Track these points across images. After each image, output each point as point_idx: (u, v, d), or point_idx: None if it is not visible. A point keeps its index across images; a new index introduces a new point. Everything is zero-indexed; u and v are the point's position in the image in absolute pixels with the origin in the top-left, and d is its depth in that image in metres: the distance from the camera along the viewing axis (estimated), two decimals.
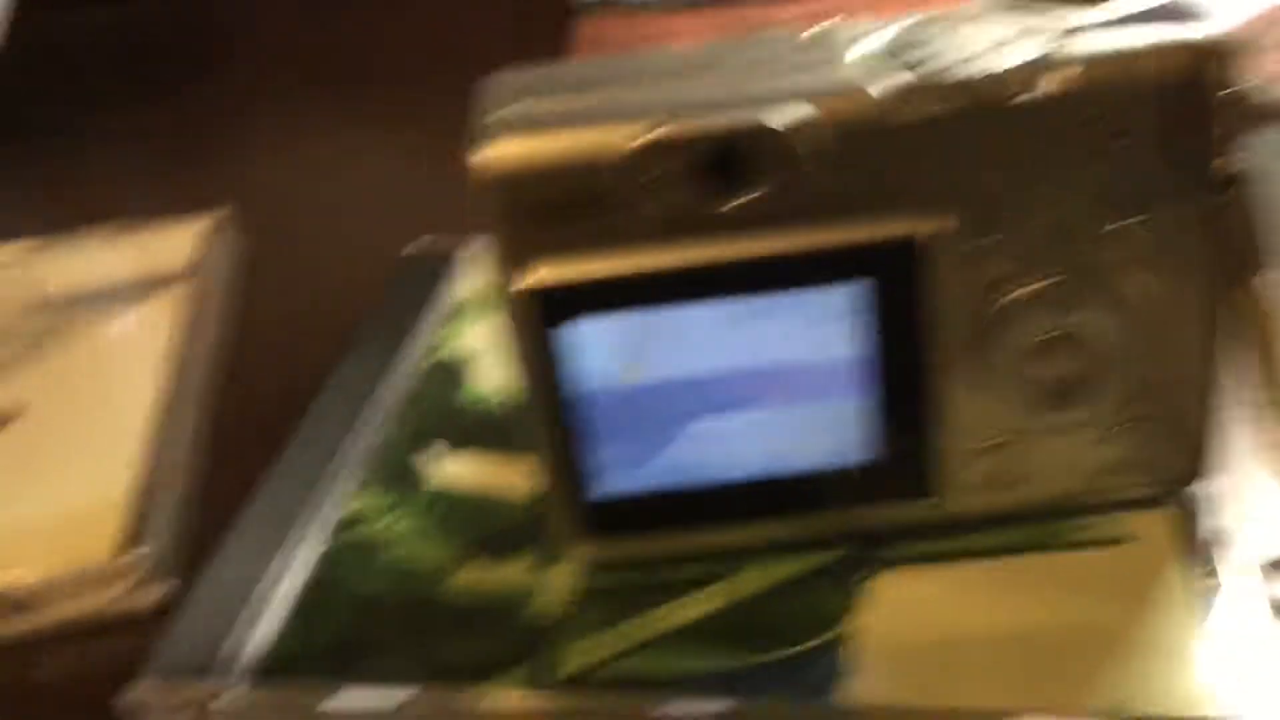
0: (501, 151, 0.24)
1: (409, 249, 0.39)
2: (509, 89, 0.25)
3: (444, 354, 0.36)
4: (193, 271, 0.40)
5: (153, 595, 0.30)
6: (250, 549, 0.30)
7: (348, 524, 0.30)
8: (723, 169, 0.24)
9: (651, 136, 0.24)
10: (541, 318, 0.25)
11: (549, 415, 0.26)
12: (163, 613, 0.29)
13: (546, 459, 0.27)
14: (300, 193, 0.47)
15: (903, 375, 0.26)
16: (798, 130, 0.23)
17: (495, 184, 0.24)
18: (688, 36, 0.49)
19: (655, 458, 0.27)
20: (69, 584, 0.30)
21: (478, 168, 0.24)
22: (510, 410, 0.32)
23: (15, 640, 0.30)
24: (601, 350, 0.26)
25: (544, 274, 0.25)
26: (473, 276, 0.38)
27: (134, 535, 0.30)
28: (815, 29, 0.25)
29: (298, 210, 0.46)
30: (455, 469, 0.32)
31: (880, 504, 0.27)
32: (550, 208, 0.24)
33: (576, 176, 0.24)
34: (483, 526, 0.30)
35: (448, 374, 0.35)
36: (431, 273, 0.39)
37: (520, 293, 0.25)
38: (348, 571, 0.29)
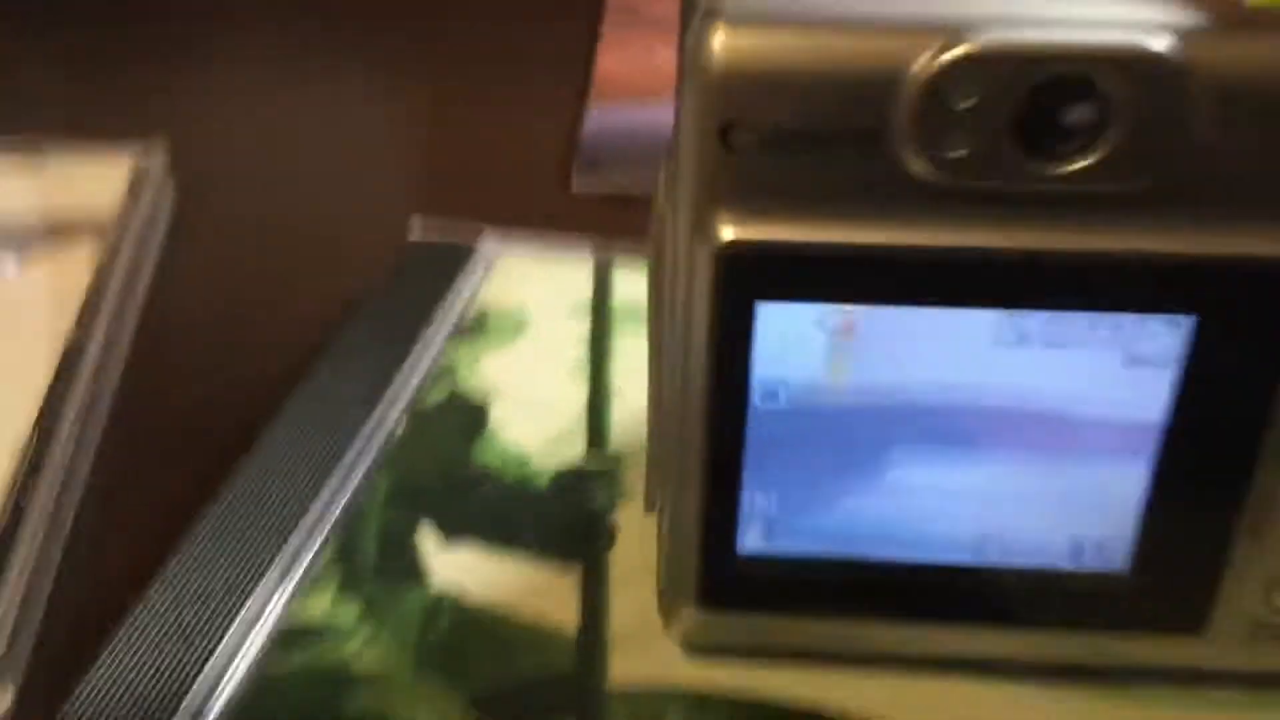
0: (734, 45, 0.16)
1: (414, 233, 0.30)
2: None
3: (455, 383, 0.26)
4: (113, 222, 0.30)
5: None
6: (148, 660, 0.20)
7: (295, 637, 0.21)
8: (1040, 119, 0.16)
9: (958, 53, 0.16)
10: (739, 285, 0.17)
11: (717, 426, 0.18)
12: None
13: (693, 492, 0.19)
14: (256, 138, 0.37)
15: (1213, 455, 0.18)
16: (1152, 74, 0.16)
17: (716, 88, 0.16)
18: None
19: (836, 512, 0.19)
20: None
21: (693, 60, 0.16)
22: (542, 488, 0.23)
23: None
24: (807, 349, 0.17)
25: (755, 230, 0.17)
26: (500, 280, 0.29)
27: None
28: None
29: (254, 160, 0.36)
30: (457, 569, 0.22)
31: (1129, 631, 0.20)
32: (786, 138, 0.16)
33: (836, 98, 0.16)
34: (497, 675, 0.21)
35: (457, 415, 0.25)
36: (443, 267, 0.29)
37: (718, 249, 0.17)
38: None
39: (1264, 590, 0.19)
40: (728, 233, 0.17)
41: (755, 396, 0.18)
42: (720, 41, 0.16)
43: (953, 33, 0.16)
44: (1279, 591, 0.19)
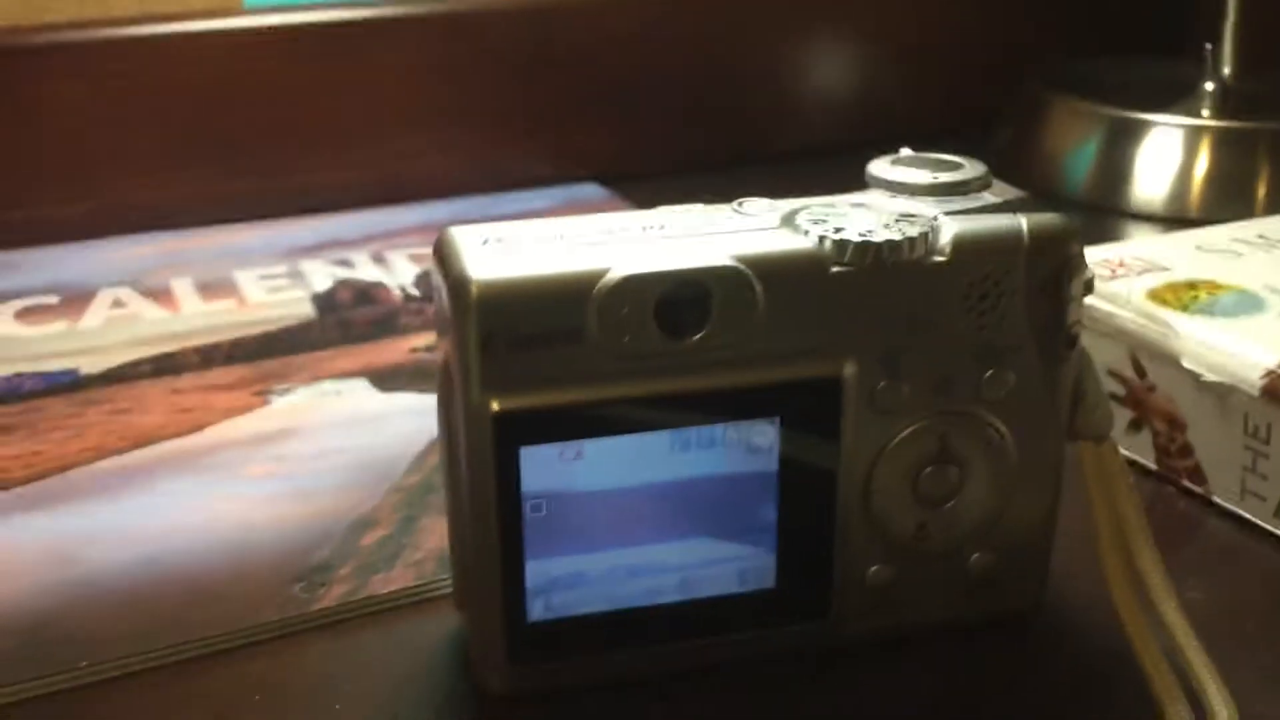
0: (486, 291, 0.26)
1: None
2: (471, 240, 0.28)
3: None
4: None
5: None
6: None
7: None
8: (670, 314, 0.27)
9: (613, 280, 0.27)
10: (507, 439, 0.27)
11: (499, 535, 0.27)
12: None
13: (488, 582, 0.28)
14: None
15: (810, 501, 0.29)
16: (732, 282, 0.27)
17: (477, 317, 0.26)
18: None
19: (587, 582, 0.29)
20: None
21: (461, 296, 0.26)
22: None
23: None
24: (555, 472, 0.28)
25: (514, 399, 0.27)
26: None
27: None
28: (738, 203, 0.29)
29: None
30: None
31: (778, 627, 0.30)
32: (525, 338, 0.27)
33: (551, 314, 0.27)
34: None
35: None
36: None
37: (491, 414, 0.27)
38: None
39: (859, 579, 0.30)
40: (496, 405, 0.27)
41: (526, 509, 0.28)
42: (476, 289, 0.26)
43: (608, 270, 0.27)
44: (868, 577, 0.30)
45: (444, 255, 0.27)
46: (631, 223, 0.29)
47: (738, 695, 0.30)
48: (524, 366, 0.27)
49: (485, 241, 0.27)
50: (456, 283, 0.26)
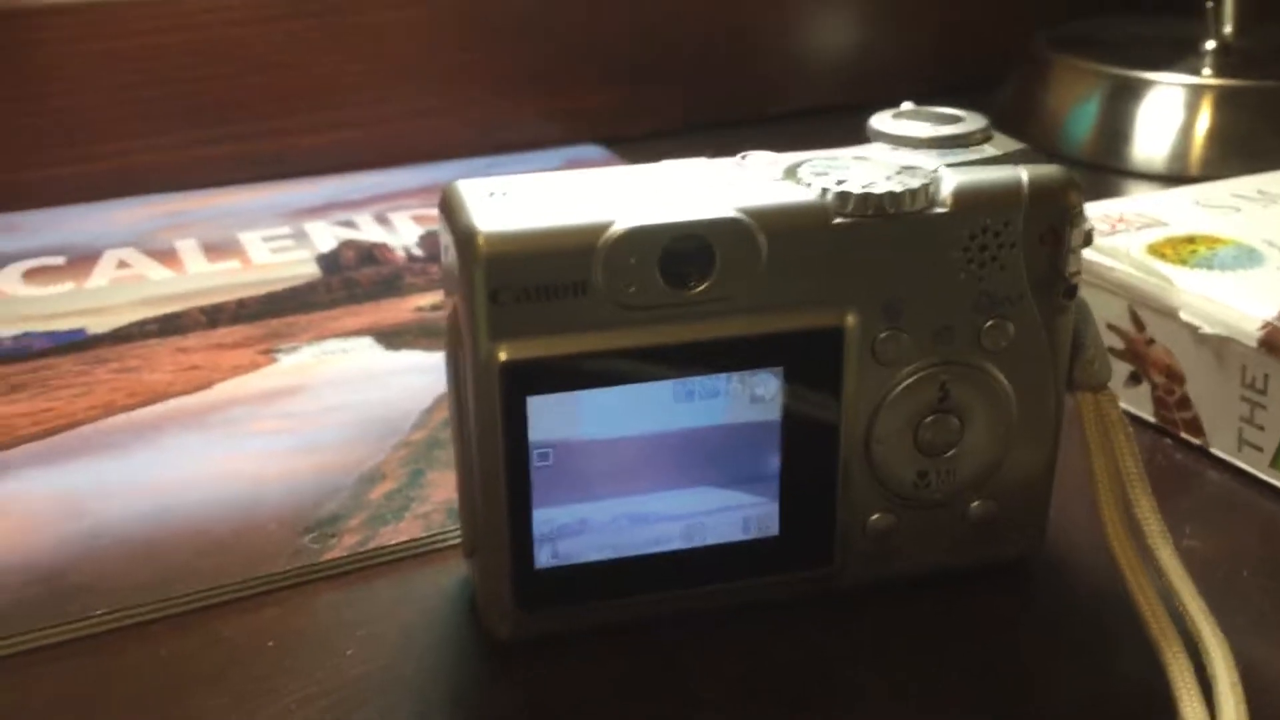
0: (492, 244, 0.26)
1: None
2: (477, 193, 0.28)
3: None
4: None
5: None
6: None
7: None
8: (674, 265, 0.28)
9: (618, 231, 0.27)
10: (515, 388, 0.27)
11: (507, 483, 0.28)
12: None
13: (495, 529, 0.28)
14: None
15: (812, 451, 0.30)
16: (735, 234, 0.27)
17: (485, 271, 0.27)
18: None
19: (592, 530, 0.29)
20: None
21: (469, 249, 0.27)
22: None
23: None
24: (562, 422, 0.28)
25: (522, 349, 0.27)
26: None
27: None
28: (742, 156, 0.30)
29: None
30: None
31: (784, 573, 0.31)
32: (531, 289, 0.27)
33: (557, 267, 0.27)
34: None
35: None
36: None
37: (499, 365, 0.27)
38: None
39: (860, 526, 0.31)
40: (504, 355, 0.27)
41: (534, 458, 0.29)
42: (484, 242, 0.27)
43: (612, 222, 0.27)
44: (869, 525, 0.31)
45: (450, 209, 0.28)
46: (636, 176, 0.29)
47: (742, 640, 0.30)
48: (531, 317, 0.27)
49: (491, 195, 0.28)
50: (464, 236, 0.27)
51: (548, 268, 0.27)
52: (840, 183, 0.28)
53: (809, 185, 0.28)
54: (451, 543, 0.33)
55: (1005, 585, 0.32)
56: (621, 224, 0.27)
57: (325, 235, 0.54)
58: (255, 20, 0.59)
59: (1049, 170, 0.29)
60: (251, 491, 0.36)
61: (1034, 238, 0.29)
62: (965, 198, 0.28)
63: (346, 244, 0.53)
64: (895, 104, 0.32)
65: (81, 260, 0.52)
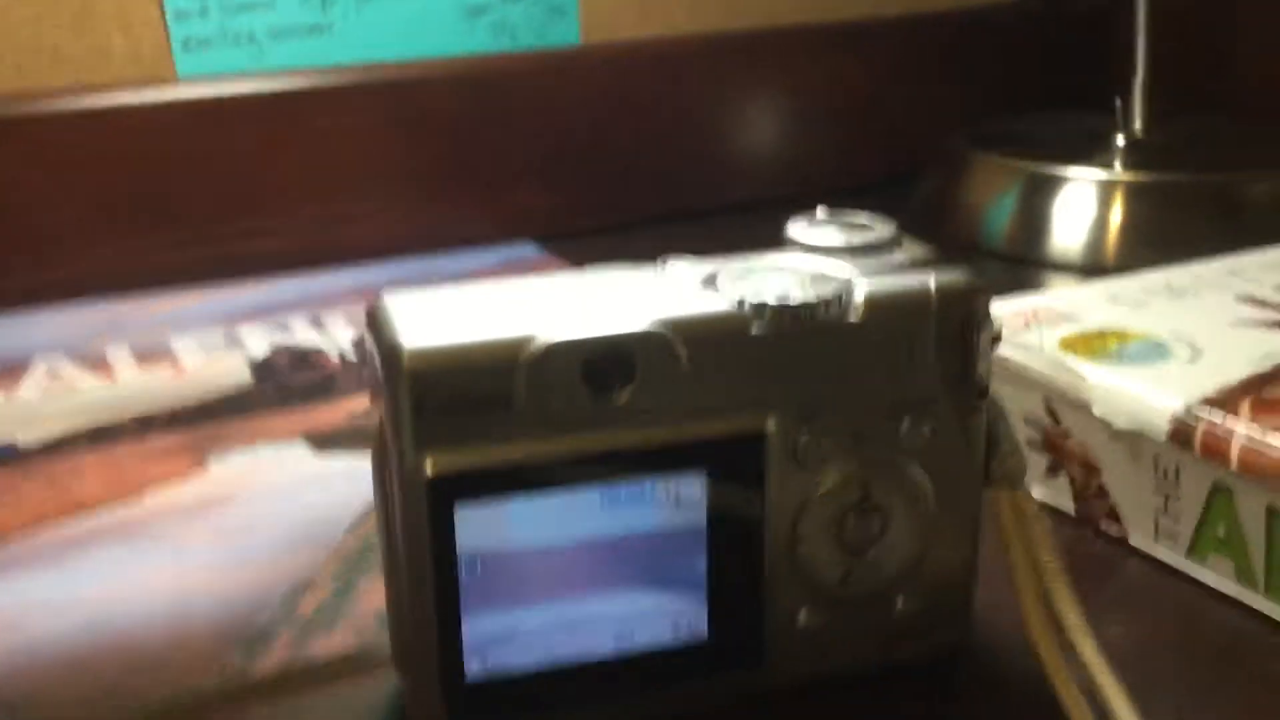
0: (416, 360, 0.27)
1: None
2: (402, 307, 0.28)
3: None
4: None
5: None
6: None
7: None
8: (596, 375, 0.28)
9: (539, 347, 0.28)
10: (442, 499, 0.28)
11: (435, 594, 0.28)
12: None
13: (425, 641, 0.29)
14: None
15: (738, 552, 0.30)
16: (656, 345, 0.28)
17: (410, 378, 0.27)
18: None
19: (522, 638, 0.29)
20: None
21: (393, 364, 0.27)
22: None
23: None
24: (488, 531, 0.28)
25: (448, 461, 0.28)
26: None
27: None
28: (663, 262, 0.31)
29: None
30: None
31: (714, 676, 0.31)
32: (456, 402, 0.28)
33: (481, 381, 0.27)
34: None
35: None
36: None
37: (426, 475, 0.27)
38: None
39: (788, 625, 0.31)
40: (430, 467, 0.28)
41: (463, 570, 0.29)
42: (409, 358, 0.27)
43: (534, 337, 0.28)
44: (797, 624, 0.31)
45: (376, 323, 0.28)
46: (558, 287, 0.30)
47: None
48: (456, 429, 0.27)
49: (416, 310, 0.28)
50: (389, 352, 0.27)
51: (471, 382, 0.27)
52: (756, 294, 0.29)
53: (727, 295, 0.29)
54: (384, 653, 0.33)
55: (934, 680, 0.32)
56: (543, 338, 0.27)
57: (259, 340, 0.54)
58: (187, 130, 0.60)
59: (955, 277, 0.30)
60: (181, 606, 0.36)
61: (944, 342, 0.30)
62: (876, 306, 0.29)
63: (280, 349, 0.53)
64: (822, 198, 0.33)
65: (11, 370, 0.51)
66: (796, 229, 0.32)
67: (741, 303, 0.29)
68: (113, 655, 0.34)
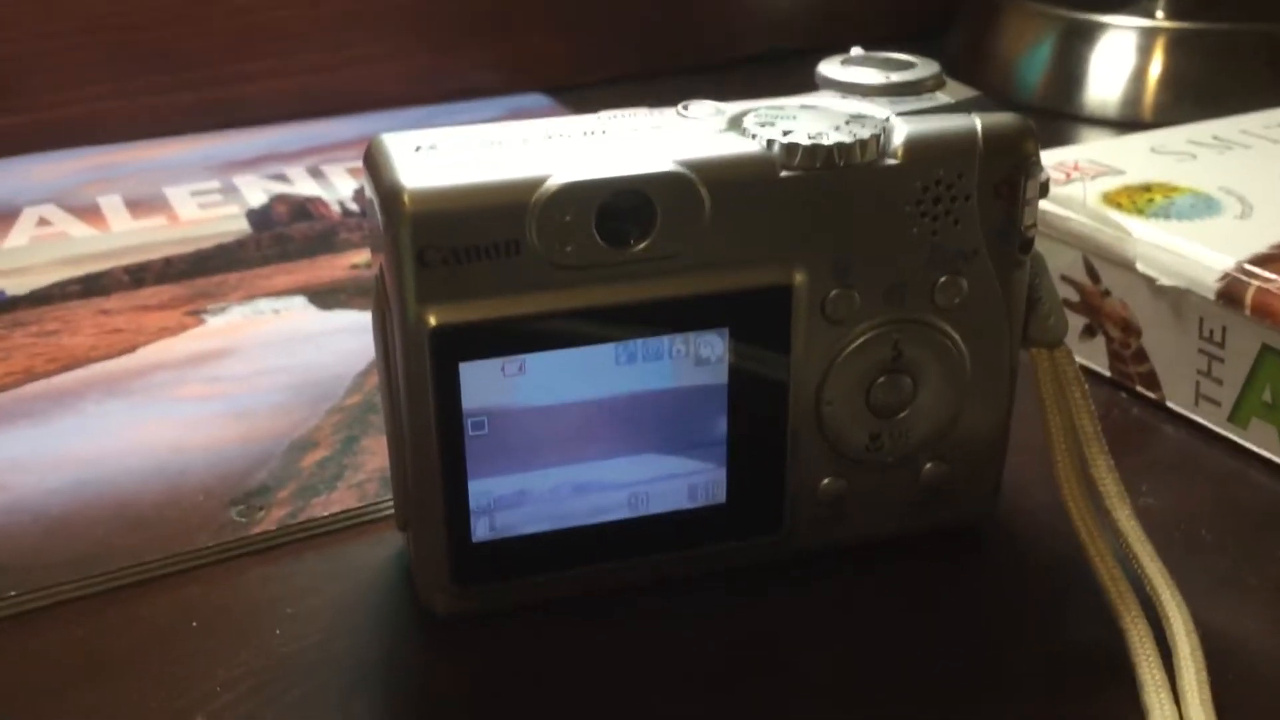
0: (419, 201, 0.25)
1: None
2: (404, 147, 0.26)
3: None
4: None
5: None
6: None
7: None
8: (612, 222, 0.26)
9: (552, 187, 0.25)
10: (445, 354, 0.26)
11: (440, 454, 0.27)
12: None
13: (430, 502, 0.27)
14: None
15: (761, 414, 0.28)
16: (677, 188, 0.26)
17: (411, 229, 0.25)
18: None
19: (531, 501, 0.28)
20: None
21: (394, 207, 0.25)
22: None
23: None
24: (496, 389, 0.27)
25: (452, 313, 0.26)
26: None
27: None
28: (684, 106, 0.28)
29: None
30: None
31: (731, 542, 0.29)
32: (461, 250, 0.26)
33: (488, 224, 0.25)
34: None
35: None
36: None
37: (429, 330, 0.26)
38: None
39: (810, 491, 0.30)
40: (433, 320, 0.26)
41: (468, 427, 0.27)
42: (410, 199, 0.25)
43: (546, 178, 0.26)
44: (820, 490, 0.30)
45: (375, 164, 0.26)
46: (572, 127, 0.27)
47: (688, 612, 0.29)
48: (461, 279, 0.25)
49: (418, 149, 0.26)
50: (388, 193, 0.25)
51: (478, 226, 0.25)
52: (787, 134, 0.27)
53: (754, 136, 0.27)
54: (386, 513, 0.32)
55: (960, 549, 0.31)
56: (556, 179, 0.25)
57: (256, 190, 0.52)
58: None
59: (1004, 119, 0.28)
60: (176, 461, 0.34)
61: (989, 189, 0.28)
62: (917, 148, 0.27)
63: (278, 199, 0.51)
64: (845, 50, 0.30)
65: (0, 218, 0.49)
66: (829, 68, 0.29)
67: (771, 144, 0.26)
68: (105, 514, 0.32)
